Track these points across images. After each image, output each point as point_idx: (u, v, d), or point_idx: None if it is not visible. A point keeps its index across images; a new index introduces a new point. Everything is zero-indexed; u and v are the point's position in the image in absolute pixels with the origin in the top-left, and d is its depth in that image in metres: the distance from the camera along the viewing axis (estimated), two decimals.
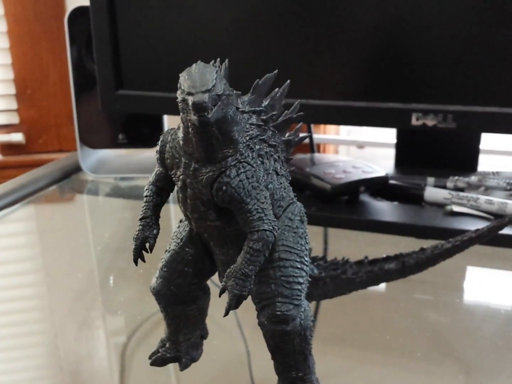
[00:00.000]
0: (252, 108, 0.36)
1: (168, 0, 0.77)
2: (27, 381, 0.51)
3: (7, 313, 0.61)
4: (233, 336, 0.53)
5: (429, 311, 0.56)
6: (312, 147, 0.95)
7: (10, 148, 1.27)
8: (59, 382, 0.50)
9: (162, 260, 0.40)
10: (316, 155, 0.89)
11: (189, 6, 0.76)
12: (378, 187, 0.77)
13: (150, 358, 0.43)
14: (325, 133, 1.21)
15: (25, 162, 1.23)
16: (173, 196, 0.39)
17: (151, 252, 0.37)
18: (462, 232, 0.46)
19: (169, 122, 0.93)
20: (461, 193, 0.72)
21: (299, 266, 0.37)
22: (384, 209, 0.74)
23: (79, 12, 0.86)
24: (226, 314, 0.34)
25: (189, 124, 0.32)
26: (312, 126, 0.98)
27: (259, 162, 0.35)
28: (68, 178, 0.95)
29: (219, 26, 0.76)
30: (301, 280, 0.37)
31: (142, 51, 0.81)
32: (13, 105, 1.24)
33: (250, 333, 0.53)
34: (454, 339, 0.52)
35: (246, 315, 0.53)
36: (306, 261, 0.38)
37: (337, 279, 0.45)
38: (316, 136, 1.04)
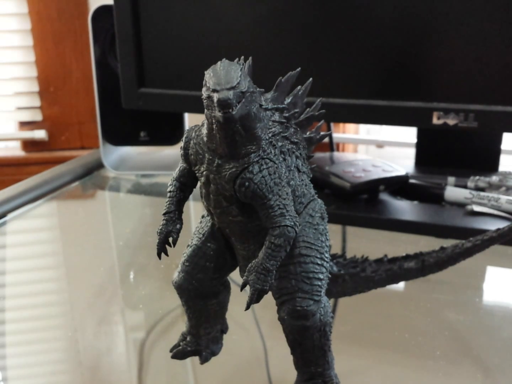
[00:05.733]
0: (275, 106, 0.37)
1: None
2: (47, 375, 0.52)
3: (29, 307, 0.62)
4: (251, 332, 0.53)
5: (449, 311, 0.56)
6: (331, 146, 0.95)
7: (33, 144, 1.28)
8: (78, 376, 0.51)
9: (184, 254, 0.40)
10: (336, 153, 0.89)
11: (212, 5, 0.77)
12: (398, 186, 0.77)
13: (171, 351, 0.44)
14: (344, 132, 1.21)
15: (48, 158, 1.25)
16: (193, 193, 0.39)
17: (174, 246, 0.38)
18: (483, 231, 0.46)
19: (190, 120, 0.94)
20: (482, 193, 0.71)
21: (319, 262, 0.37)
22: (404, 208, 0.74)
23: (102, 10, 0.87)
24: (248, 308, 0.35)
25: (214, 120, 0.33)
26: (332, 125, 0.98)
27: (281, 159, 0.36)
28: (91, 175, 0.97)
29: (241, 24, 0.77)
30: (321, 276, 0.37)
31: (164, 50, 0.81)
32: (36, 102, 1.26)
33: (268, 330, 0.53)
34: (473, 338, 0.52)
35: (264, 313, 0.54)
36: (326, 257, 0.38)
37: (356, 276, 0.45)
38: (335, 135, 1.04)
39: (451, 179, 0.77)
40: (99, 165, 0.97)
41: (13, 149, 1.32)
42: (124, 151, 1.00)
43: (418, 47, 0.70)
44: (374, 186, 0.76)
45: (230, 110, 0.32)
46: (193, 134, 0.36)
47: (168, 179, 0.39)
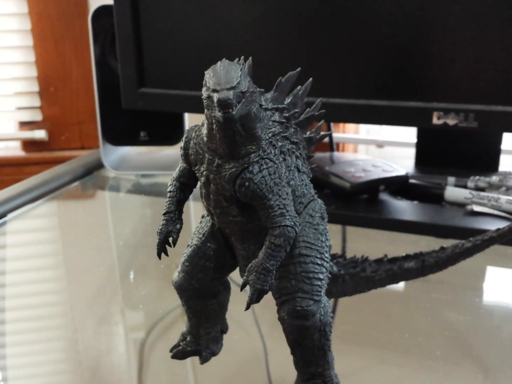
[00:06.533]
0: (275, 106, 0.37)
1: None
2: (47, 375, 0.52)
3: (29, 307, 0.62)
4: (251, 332, 0.53)
5: (448, 311, 0.56)
6: (331, 146, 0.95)
7: (33, 144, 1.28)
8: (78, 376, 0.51)
9: (184, 254, 0.40)
10: (336, 153, 0.89)
11: (212, 5, 0.77)
12: (398, 186, 0.77)
13: (171, 351, 0.44)
14: (344, 132, 1.21)
15: (48, 158, 1.25)
16: (193, 193, 0.39)
17: (174, 246, 0.38)
18: (483, 232, 0.46)
19: (190, 120, 0.94)
20: (482, 193, 0.71)
21: (319, 262, 0.37)
22: (404, 208, 0.74)
23: (102, 10, 0.87)
24: (248, 308, 0.34)
25: (214, 120, 0.33)
26: (332, 124, 0.98)
27: (281, 159, 0.36)
28: (90, 175, 0.97)
29: (242, 24, 0.77)
30: (321, 276, 0.37)
31: (164, 50, 0.81)
32: (37, 102, 1.26)
33: (268, 330, 0.53)
34: (473, 338, 0.52)
35: (264, 313, 0.54)
36: (326, 257, 0.38)
37: (356, 276, 0.45)
38: (335, 135, 1.04)
39: (451, 179, 0.77)
40: (99, 165, 0.97)
41: (13, 149, 1.32)
42: (124, 151, 1.00)
43: (418, 47, 0.70)
44: (374, 186, 0.76)
45: (230, 110, 0.32)
46: (193, 134, 0.36)
47: (168, 179, 0.39)
